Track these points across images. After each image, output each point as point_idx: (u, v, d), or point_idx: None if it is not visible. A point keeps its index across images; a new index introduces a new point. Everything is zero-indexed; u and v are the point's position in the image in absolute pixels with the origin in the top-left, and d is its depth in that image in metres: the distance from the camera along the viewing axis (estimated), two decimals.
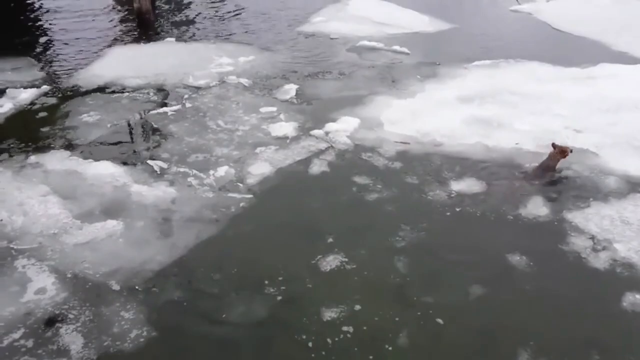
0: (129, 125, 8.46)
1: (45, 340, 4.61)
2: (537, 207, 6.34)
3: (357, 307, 4.97)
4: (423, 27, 13.71)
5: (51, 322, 4.78)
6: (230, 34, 12.97)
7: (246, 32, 13.16)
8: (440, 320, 4.85)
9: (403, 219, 6.14)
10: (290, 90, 9.54)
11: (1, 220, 6.00)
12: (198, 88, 9.67)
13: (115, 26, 13.62)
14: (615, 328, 4.86)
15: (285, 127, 8.13)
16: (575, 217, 6.17)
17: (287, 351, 4.60)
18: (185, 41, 12.39)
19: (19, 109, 8.92)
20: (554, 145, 6.85)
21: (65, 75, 10.37)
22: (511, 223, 6.15)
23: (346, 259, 5.54)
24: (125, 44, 12.20)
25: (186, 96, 9.35)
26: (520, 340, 4.66)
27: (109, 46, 11.95)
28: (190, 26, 13.70)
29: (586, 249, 5.69)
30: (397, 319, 4.87)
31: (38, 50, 11.86)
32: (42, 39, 12.64)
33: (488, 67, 10.74)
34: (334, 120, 8.31)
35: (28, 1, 15.32)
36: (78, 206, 6.26)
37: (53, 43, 12.32)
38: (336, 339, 4.66)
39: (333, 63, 11.05)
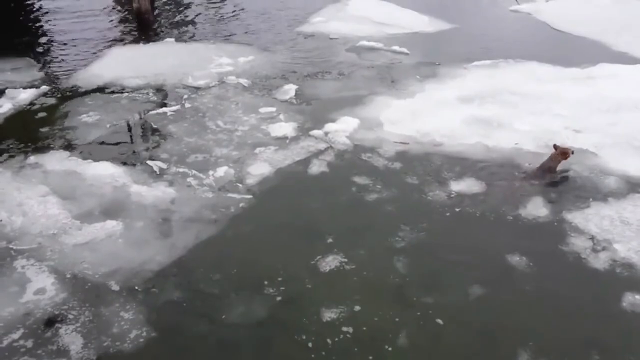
0: (129, 125, 8.45)
1: (44, 340, 4.61)
2: (536, 208, 6.34)
3: (357, 307, 4.97)
4: (423, 27, 13.70)
5: (50, 322, 4.77)
6: (229, 34, 12.96)
7: (246, 32, 13.16)
8: (440, 321, 4.85)
9: (403, 219, 6.13)
10: (289, 90, 9.54)
11: (0, 220, 6.00)
12: (197, 88, 9.66)
13: (114, 26, 13.62)
14: (615, 328, 4.85)
15: (284, 128, 8.12)
16: (575, 217, 6.17)
17: (286, 351, 4.59)
18: (185, 41, 12.39)
19: (19, 109, 8.92)
20: (555, 146, 6.84)
21: (65, 76, 10.37)
22: (511, 223, 6.15)
23: (346, 259, 5.53)
24: (124, 44, 12.20)
25: (185, 96, 9.35)
26: (520, 341, 4.65)
27: (109, 46, 11.95)
28: (190, 26, 13.70)
29: (586, 250, 5.68)
30: (396, 319, 4.87)
31: (37, 50, 11.86)
32: (42, 39, 12.64)
33: (488, 67, 10.74)
34: (333, 121, 8.31)
35: (28, 1, 15.31)
36: (77, 206, 6.26)
37: (52, 43, 12.32)
38: (336, 339, 4.65)
39: (332, 63, 11.05)
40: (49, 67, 10.92)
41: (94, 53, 11.52)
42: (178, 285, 5.23)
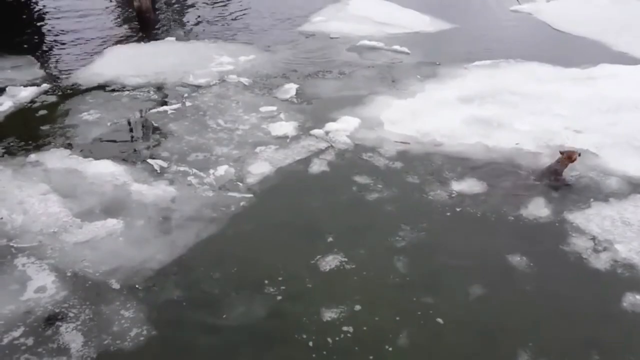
0: (129, 124, 8.45)
1: (45, 338, 4.62)
2: (538, 208, 6.34)
3: (357, 307, 4.97)
4: (423, 26, 13.69)
5: (51, 320, 4.78)
6: (230, 33, 12.95)
7: (247, 31, 13.14)
8: (440, 320, 4.86)
9: (403, 219, 6.13)
10: (290, 89, 9.53)
11: (1, 218, 6.00)
12: (198, 87, 9.66)
13: (115, 25, 13.61)
14: (616, 329, 4.86)
15: (285, 127, 8.12)
16: (576, 217, 6.17)
17: (287, 351, 4.60)
18: (186, 40, 12.38)
19: (19, 107, 8.92)
20: (561, 152, 6.80)
21: (66, 74, 10.36)
22: (512, 223, 6.15)
23: (346, 259, 5.54)
24: (125, 42, 12.18)
25: (186, 95, 9.34)
26: (521, 341, 4.66)
27: (110, 45, 11.94)
28: (191, 25, 13.69)
29: (587, 250, 5.69)
30: (397, 318, 4.87)
31: (38, 48, 11.85)
32: (43, 38, 12.62)
33: (488, 67, 10.73)
34: (334, 120, 8.31)
35: (29, 0, 15.29)
36: (78, 205, 6.26)
37: (53, 41, 12.31)
38: (336, 338, 4.66)
39: (333, 63, 11.04)
40: (50, 65, 10.92)
41: (95, 51, 11.50)
42: (178, 284, 5.24)
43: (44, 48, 11.94)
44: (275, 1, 15.53)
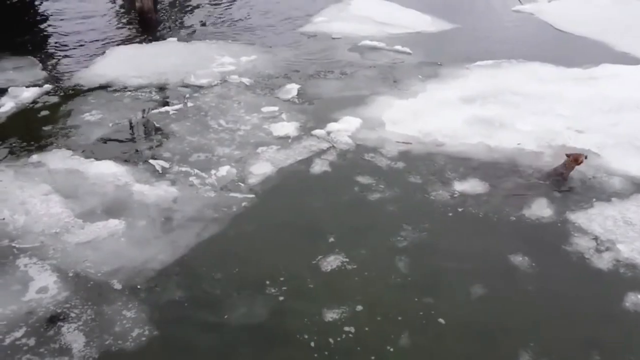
0: (131, 124, 8.46)
1: (47, 339, 4.62)
2: (540, 208, 6.33)
3: (359, 307, 4.97)
4: (425, 27, 13.68)
5: (53, 320, 4.78)
6: (232, 34, 12.95)
7: (248, 31, 13.14)
8: (442, 321, 4.85)
9: (405, 219, 6.13)
10: (292, 89, 9.53)
11: (3, 219, 6.01)
12: (200, 87, 9.66)
13: (117, 26, 13.61)
14: (618, 329, 4.85)
15: (286, 127, 8.12)
16: (578, 217, 6.17)
17: (288, 351, 4.60)
18: (187, 40, 12.37)
19: (21, 108, 8.92)
20: (567, 155, 6.78)
21: (67, 74, 10.36)
22: (514, 223, 6.15)
23: (347, 259, 5.54)
24: (127, 43, 12.18)
25: (188, 95, 9.34)
26: (522, 341, 4.66)
27: (111, 45, 11.94)
28: (192, 26, 13.69)
29: (589, 250, 5.69)
30: (398, 319, 4.87)
31: (40, 49, 11.83)
32: (45, 38, 12.63)
33: (490, 67, 10.73)
34: (335, 120, 8.30)
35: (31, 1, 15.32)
36: (80, 205, 6.27)
37: (55, 42, 12.31)
38: (338, 339, 4.65)
39: (335, 63, 11.03)
40: (52, 66, 10.91)
41: (97, 52, 11.50)
42: (180, 284, 5.24)
43: (46, 49, 11.94)
44: (277, 2, 15.52)
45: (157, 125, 8.33)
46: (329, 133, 7.96)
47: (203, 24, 13.74)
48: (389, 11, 14.81)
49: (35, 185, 6.60)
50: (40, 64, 10.81)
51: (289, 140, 7.82)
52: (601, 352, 4.57)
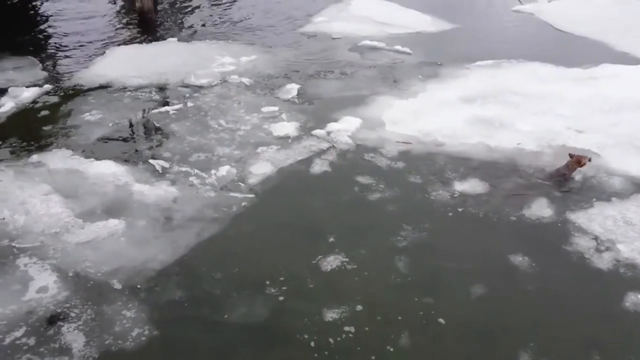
0: (131, 124, 8.45)
1: (47, 338, 4.62)
2: (540, 208, 6.33)
3: (359, 307, 4.97)
4: (425, 27, 13.69)
5: (53, 320, 4.78)
6: (232, 34, 12.95)
7: (248, 31, 13.15)
8: (442, 321, 4.85)
9: (405, 219, 6.13)
10: (292, 89, 9.53)
11: (3, 219, 6.01)
12: (200, 87, 9.66)
13: (117, 26, 13.62)
14: (617, 329, 4.85)
15: (286, 127, 8.12)
16: (578, 217, 6.17)
17: (288, 351, 4.59)
18: (187, 41, 12.37)
19: (21, 108, 8.92)
20: (571, 155, 6.78)
21: (68, 74, 10.37)
22: (514, 223, 6.15)
23: (347, 259, 5.53)
24: (127, 43, 12.18)
25: (188, 95, 9.34)
26: (522, 341, 4.66)
27: (111, 45, 11.94)
28: (192, 26, 13.69)
29: (589, 250, 5.69)
30: (398, 319, 4.87)
31: (40, 49, 11.84)
32: (45, 38, 12.63)
33: (490, 67, 10.73)
34: (335, 120, 8.30)
35: (32, 1, 15.31)
36: (80, 205, 6.26)
37: (55, 42, 12.32)
38: (338, 339, 4.65)
39: (335, 63, 11.04)
40: (52, 66, 10.92)
41: (97, 52, 11.50)
42: (180, 284, 5.24)
43: (46, 49, 11.95)
44: (277, 1, 15.53)
45: (157, 125, 8.33)
46: (329, 133, 7.96)
47: (203, 24, 13.74)
48: (389, 11, 14.82)
49: (35, 185, 6.60)
50: (40, 64, 10.81)
51: (289, 140, 7.82)
52: (601, 352, 4.57)
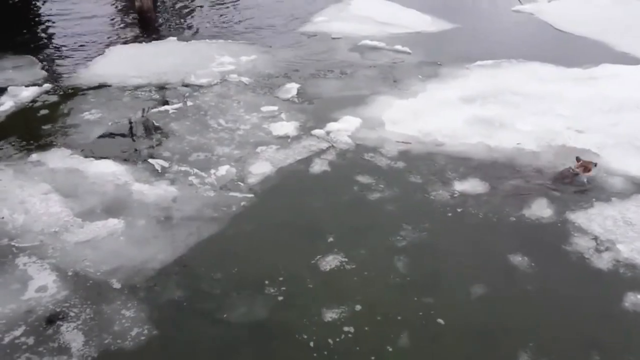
0: (130, 123, 8.45)
1: (46, 338, 4.61)
2: (540, 208, 6.33)
3: (358, 307, 4.96)
4: (425, 26, 13.68)
5: (52, 320, 4.78)
6: (232, 33, 12.95)
7: (248, 31, 13.15)
8: (441, 321, 4.84)
9: (405, 219, 6.12)
10: (291, 89, 9.52)
11: (2, 218, 6.00)
12: (199, 87, 9.65)
13: (116, 25, 13.62)
14: (617, 329, 4.85)
15: (286, 127, 8.11)
16: (578, 217, 6.16)
17: (288, 351, 4.59)
18: (187, 40, 12.37)
19: (21, 107, 8.91)
20: (577, 159, 6.76)
21: (67, 74, 10.37)
22: (514, 224, 6.14)
23: (347, 259, 5.53)
24: (126, 42, 12.19)
25: (187, 94, 9.34)
26: (521, 341, 4.65)
27: (111, 45, 11.94)
28: (192, 25, 13.70)
29: (589, 250, 5.68)
30: (398, 319, 4.86)
31: (40, 48, 11.85)
32: (44, 38, 12.64)
33: (490, 67, 10.73)
34: (335, 120, 8.30)
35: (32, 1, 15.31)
36: (79, 204, 6.26)
37: (55, 41, 12.32)
38: (337, 339, 4.65)
39: (335, 62, 11.03)
40: (51, 65, 10.91)
41: (96, 51, 11.50)
42: (179, 284, 5.23)
43: (46, 48, 11.95)
44: (277, 1, 15.53)
45: (157, 124, 8.32)
46: (328, 133, 7.95)
47: (203, 24, 13.73)
48: (389, 11, 14.82)
49: (35, 184, 6.59)
50: (40, 63, 10.81)
51: (289, 140, 7.81)
52: (601, 352, 4.57)
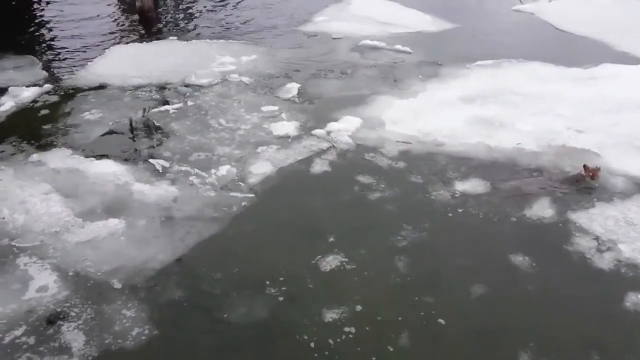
0: (131, 123, 8.45)
1: (46, 337, 4.62)
2: (541, 208, 6.32)
3: (359, 307, 4.96)
4: (425, 26, 13.67)
5: (53, 319, 4.78)
6: (232, 33, 12.94)
7: (249, 31, 13.13)
8: (442, 321, 4.84)
9: (405, 219, 6.12)
10: (292, 89, 9.52)
11: (3, 218, 6.00)
12: (200, 86, 9.65)
13: (117, 25, 13.61)
14: (618, 329, 4.85)
15: (286, 127, 8.11)
16: (579, 217, 6.16)
17: (288, 351, 4.59)
18: (188, 40, 12.36)
19: (21, 107, 8.91)
20: (585, 166, 6.74)
21: (68, 74, 10.36)
22: (515, 224, 6.14)
23: (347, 259, 5.53)
24: (127, 42, 12.17)
25: (188, 94, 9.33)
26: (522, 341, 4.65)
27: (111, 45, 11.93)
28: (193, 25, 13.68)
29: (590, 250, 5.67)
30: (398, 319, 4.86)
31: (40, 49, 11.85)
32: (45, 38, 12.63)
33: (490, 67, 10.72)
34: (335, 120, 8.29)
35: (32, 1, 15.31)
36: (80, 204, 6.26)
37: (55, 42, 12.32)
38: (338, 339, 4.65)
39: (335, 62, 11.02)
40: (52, 65, 10.91)
41: (97, 51, 11.49)
42: (180, 284, 5.23)
43: (46, 48, 11.94)
44: (277, 1, 15.53)
45: (157, 124, 8.32)
46: (329, 133, 7.95)
47: (203, 24, 13.71)
48: (390, 11, 14.81)
49: (35, 184, 6.60)
50: (41, 63, 10.80)
51: (289, 140, 7.81)
52: (601, 352, 4.56)
